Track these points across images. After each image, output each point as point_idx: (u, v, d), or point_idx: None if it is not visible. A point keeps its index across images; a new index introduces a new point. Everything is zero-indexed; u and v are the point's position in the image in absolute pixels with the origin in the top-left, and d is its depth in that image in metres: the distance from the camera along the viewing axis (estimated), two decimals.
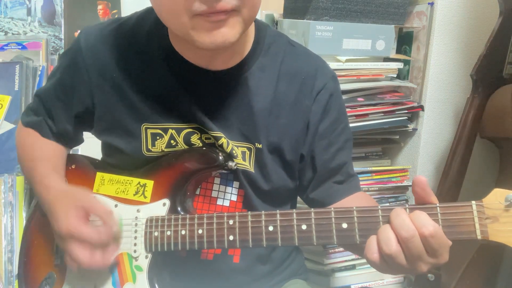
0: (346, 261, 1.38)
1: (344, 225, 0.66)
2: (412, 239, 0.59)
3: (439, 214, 0.62)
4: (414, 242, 0.59)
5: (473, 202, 0.61)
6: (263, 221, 0.70)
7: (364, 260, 1.38)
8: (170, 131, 0.81)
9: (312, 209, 0.68)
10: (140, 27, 0.83)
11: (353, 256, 1.38)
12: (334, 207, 0.70)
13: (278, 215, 0.69)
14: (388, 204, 1.39)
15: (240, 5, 0.66)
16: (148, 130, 0.82)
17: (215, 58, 0.78)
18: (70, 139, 0.93)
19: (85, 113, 0.86)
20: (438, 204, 0.62)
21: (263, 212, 0.70)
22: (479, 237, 0.60)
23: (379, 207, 0.65)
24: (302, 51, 0.89)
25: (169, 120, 0.81)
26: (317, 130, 0.84)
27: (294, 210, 0.69)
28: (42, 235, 0.89)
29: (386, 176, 1.40)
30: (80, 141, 0.97)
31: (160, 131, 0.82)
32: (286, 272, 0.95)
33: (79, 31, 0.87)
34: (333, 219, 0.66)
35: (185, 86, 0.80)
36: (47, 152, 0.90)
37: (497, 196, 0.60)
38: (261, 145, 0.82)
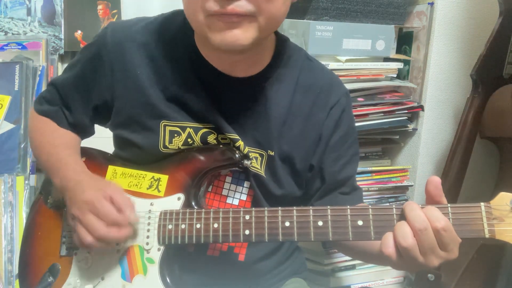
0: (346, 261, 1.38)
1: (360, 222, 0.69)
2: (425, 231, 0.63)
3: (450, 213, 0.66)
4: (428, 235, 0.63)
5: (482, 203, 0.65)
6: (280, 217, 0.72)
7: None
8: (188, 129, 0.83)
9: (329, 206, 0.71)
10: (167, 28, 0.85)
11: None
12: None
13: (294, 211, 0.72)
14: (388, 204, 1.39)
15: (256, 12, 0.68)
16: (166, 127, 0.84)
17: (237, 65, 0.81)
18: (84, 131, 0.93)
19: (103, 106, 0.87)
20: (449, 205, 0.66)
21: (279, 208, 0.73)
22: (487, 235, 0.65)
23: (394, 205, 0.69)
24: (318, 66, 0.92)
25: (187, 119, 0.83)
26: (328, 143, 0.87)
27: (310, 207, 0.71)
28: (47, 226, 0.89)
29: (386, 176, 1.40)
30: (92, 133, 0.97)
31: (178, 129, 0.83)
32: (287, 270, 0.96)
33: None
34: (349, 216, 0.69)
35: (206, 89, 0.82)
36: (69, 140, 0.91)
37: (503, 199, 0.65)
38: (273, 152, 0.84)
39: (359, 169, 1.37)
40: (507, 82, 1.26)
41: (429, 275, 1.29)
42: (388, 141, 1.49)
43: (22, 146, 1.32)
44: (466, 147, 1.28)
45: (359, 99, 1.35)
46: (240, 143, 0.82)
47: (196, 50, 0.82)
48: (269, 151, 0.84)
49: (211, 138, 0.83)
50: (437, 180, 0.66)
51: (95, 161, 0.90)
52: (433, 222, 0.63)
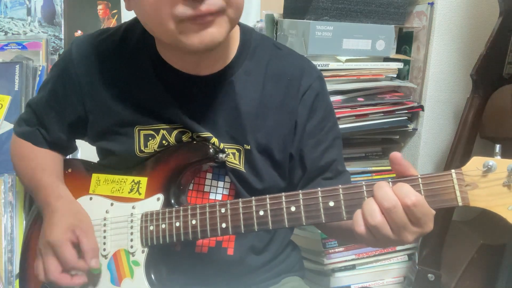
0: (346, 261, 1.38)
1: (331, 203, 0.68)
2: (394, 209, 0.61)
3: (421, 185, 0.64)
4: (397, 212, 0.61)
5: (453, 170, 0.63)
6: (254, 207, 0.72)
7: (364, 260, 1.39)
8: (161, 131, 0.84)
9: (300, 190, 0.70)
10: (128, 37, 0.86)
11: (353, 256, 1.38)
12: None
13: (267, 199, 0.72)
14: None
15: (225, 6, 0.68)
16: (141, 131, 0.84)
17: (201, 63, 0.80)
18: (63, 147, 0.95)
19: (78, 122, 0.89)
20: (419, 175, 0.64)
21: (253, 198, 0.73)
22: (460, 203, 0.63)
23: (363, 183, 0.67)
24: (288, 53, 0.90)
25: (160, 122, 0.84)
26: (304, 130, 0.86)
27: (283, 194, 0.71)
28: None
29: (386, 176, 1.40)
30: (73, 149, 0.99)
31: (152, 132, 0.84)
32: (281, 266, 0.96)
33: (74, 38, 0.89)
34: (320, 198, 0.69)
35: (172, 92, 0.83)
36: (46, 161, 0.92)
37: (475, 163, 0.62)
38: (249, 146, 0.84)
39: (359, 169, 1.37)
40: (507, 82, 1.26)
41: (429, 275, 1.29)
42: (388, 141, 1.49)
43: None
44: (466, 147, 1.28)
45: (359, 99, 1.35)
46: (214, 140, 0.82)
47: (158, 55, 0.83)
48: (245, 145, 0.84)
49: (186, 138, 0.83)
50: (397, 155, 0.65)
51: (80, 171, 0.92)
52: (402, 198, 0.61)
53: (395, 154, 0.65)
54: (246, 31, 0.86)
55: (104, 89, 0.84)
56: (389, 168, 1.41)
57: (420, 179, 0.64)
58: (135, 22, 0.87)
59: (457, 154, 1.29)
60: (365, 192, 0.66)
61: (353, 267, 1.40)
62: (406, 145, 1.50)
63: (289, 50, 0.91)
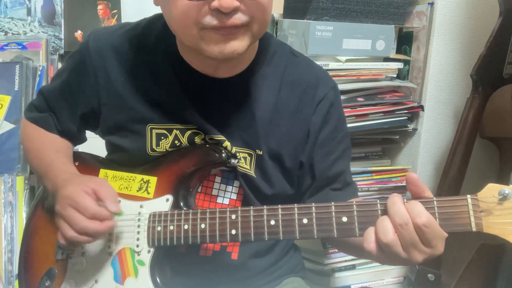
0: (346, 261, 1.38)
1: (344, 219, 0.68)
2: (406, 226, 0.62)
3: (436, 207, 0.64)
4: (408, 230, 0.62)
5: (469, 196, 0.64)
6: (265, 215, 0.72)
7: (364, 260, 1.39)
8: (174, 131, 0.83)
9: (313, 203, 0.70)
10: (148, 33, 0.85)
11: (353, 256, 1.38)
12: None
13: (279, 209, 0.71)
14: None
15: (250, 20, 0.69)
16: (153, 130, 0.84)
17: (220, 66, 0.81)
18: (73, 137, 0.94)
19: (90, 114, 0.88)
20: (435, 198, 0.65)
21: (265, 206, 0.72)
22: (474, 229, 0.63)
23: (378, 201, 0.67)
24: (304, 61, 0.91)
25: (173, 121, 0.83)
26: (317, 139, 0.86)
27: (295, 205, 0.71)
28: (43, 231, 0.89)
29: (386, 176, 1.40)
30: (83, 140, 0.98)
31: (165, 131, 0.84)
32: (283, 268, 0.96)
33: (87, 33, 0.89)
34: (333, 213, 0.69)
35: (189, 93, 0.82)
36: (58, 145, 0.91)
37: (491, 191, 0.63)
38: (261, 151, 0.84)
39: (359, 169, 1.37)
40: (507, 82, 1.26)
41: (429, 275, 1.29)
42: (388, 141, 1.49)
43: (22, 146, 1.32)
44: (466, 147, 1.28)
45: (359, 99, 1.35)
46: (227, 143, 0.81)
47: (178, 54, 0.83)
48: (257, 150, 0.84)
49: (199, 139, 0.83)
50: (414, 176, 0.66)
51: (87, 165, 0.91)
52: (414, 217, 0.62)
53: (412, 176, 0.66)
54: (265, 37, 0.86)
55: (120, 84, 0.84)
56: (389, 168, 1.42)
57: (435, 202, 0.64)
58: (155, 19, 0.86)
59: (457, 154, 1.29)
60: (379, 210, 0.67)
61: (353, 267, 1.40)
62: (406, 145, 1.50)
63: (306, 58, 0.92)
